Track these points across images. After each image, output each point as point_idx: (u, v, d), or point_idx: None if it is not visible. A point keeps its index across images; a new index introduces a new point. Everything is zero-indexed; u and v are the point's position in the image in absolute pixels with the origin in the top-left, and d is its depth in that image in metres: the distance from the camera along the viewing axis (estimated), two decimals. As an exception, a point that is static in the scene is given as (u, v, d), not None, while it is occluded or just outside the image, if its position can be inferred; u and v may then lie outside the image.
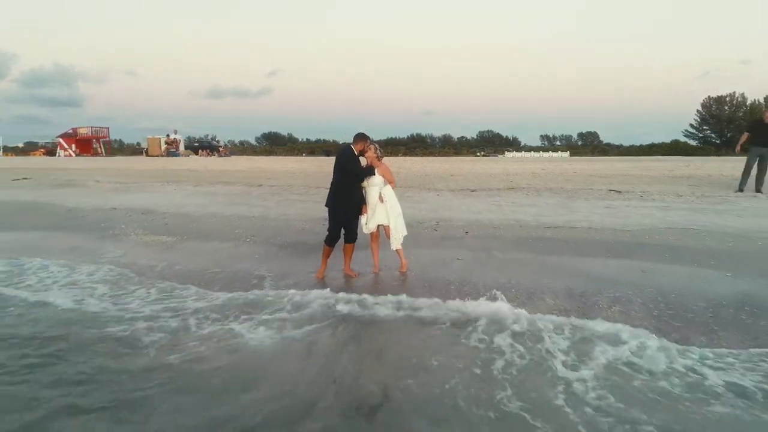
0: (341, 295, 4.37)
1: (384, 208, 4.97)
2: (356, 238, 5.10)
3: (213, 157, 30.31)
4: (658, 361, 3.07)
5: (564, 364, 3.07)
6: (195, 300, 4.38)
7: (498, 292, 4.20)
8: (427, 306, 4.07)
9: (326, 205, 5.08)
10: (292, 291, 4.45)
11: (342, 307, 4.09)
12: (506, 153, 61.78)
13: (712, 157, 63.92)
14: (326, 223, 5.11)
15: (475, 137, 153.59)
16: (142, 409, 2.59)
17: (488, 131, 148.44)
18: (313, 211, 8.33)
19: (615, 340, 3.39)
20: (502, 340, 3.43)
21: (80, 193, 11.46)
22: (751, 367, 3.00)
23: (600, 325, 3.61)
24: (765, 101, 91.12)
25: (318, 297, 4.30)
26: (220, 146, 57.19)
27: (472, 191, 10.01)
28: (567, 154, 41.57)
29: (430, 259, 5.44)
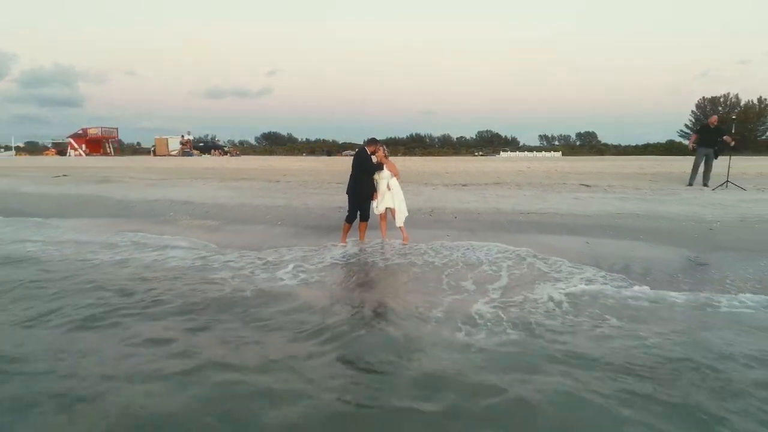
0: (356, 249, 5.99)
1: (391, 194, 6.58)
2: (368, 218, 6.71)
3: (225, 156, 31.87)
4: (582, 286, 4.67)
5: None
6: (260, 258, 5.94)
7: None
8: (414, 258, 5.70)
9: (346, 193, 6.70)
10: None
11: (353, 259, 5.73)
12: (502, 153, 63.21)
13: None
14: (341, 210, 6.72)
15: (475, 137, 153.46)
16: (256, 311, 4.17)
17: (487, 131, 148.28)
18: (329, 201, 9.94)
19: (559, 275, 5.00)
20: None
21: (121, 188, 13.06)
22: (637, 294, 4.58)
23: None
24: (759, 102, 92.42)
25: (338, 253, 5.94)
26: (225, 147, 58.92)
27: (464, 186, 11.64)
28: (559, 154, 43.10)
29: (425, 236, 7.04)
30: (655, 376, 2.88)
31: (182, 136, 34.41)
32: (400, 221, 6.62)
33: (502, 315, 3.88)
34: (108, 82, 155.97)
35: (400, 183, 6.80)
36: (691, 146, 11.24)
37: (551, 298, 4.29)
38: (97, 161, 28.32)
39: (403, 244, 6.55)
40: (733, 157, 11.19)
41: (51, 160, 35.13)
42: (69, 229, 7.98)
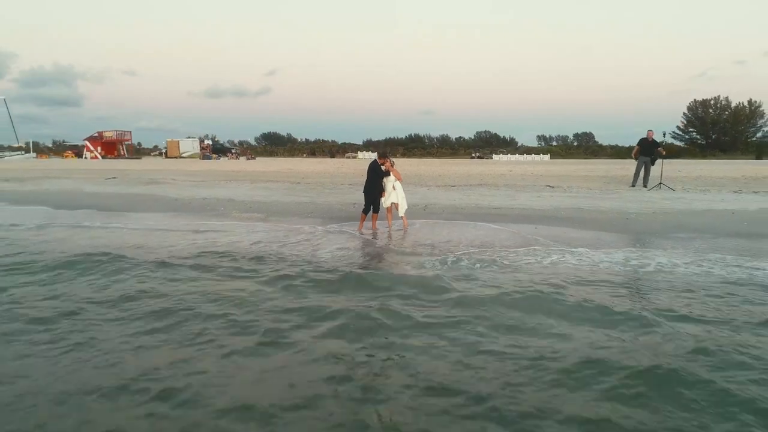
0: (369, 234, 8.70)
1: (395, 193, 9.27)
2: (379, 210, 9.40)
3: (241, 159, 34.62)
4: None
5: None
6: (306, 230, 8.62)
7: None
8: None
9: (363, 192, 9.39)
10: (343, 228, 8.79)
11: (360, 237, 8.43)
12: (494, 156, 65.95)
13: (694, 159, 68.00)
14: (355, 206, 9.38)
15: (473, 137, 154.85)
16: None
17: (485, 131, 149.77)
18: (345, 199, 12.61)
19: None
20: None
21: (170, 188, 15.76)
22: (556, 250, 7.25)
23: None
24: (749, 104, 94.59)
25: (348, 233, 8.64)
26: (233, 149, 61.81)
27: (452, 186, 14.35)
28: (548, 156, 45.78)
29: (420, 224, 9.72)
30: (567, 281, 5.57)
31: (202, 141, 37.21)
32: (402, 212, 9.30)
33: (472, 259, 6.58)
34: (107, 82, 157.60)
35: (402, 184, 9.49)
36: (634, 156, 13.97)
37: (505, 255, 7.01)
38: (134, 164, 31.04)
39: (405, 229, 9.24)
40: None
41: (81, 163, 37.85)
42: (156, 220, 10.67)
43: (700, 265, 6.20)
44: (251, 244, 7.64)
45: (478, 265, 6.19)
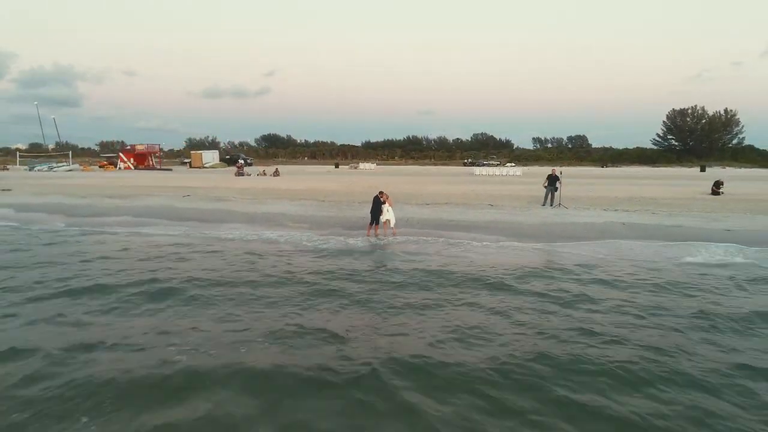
0: (373, 238, 15.91)
1: (388, 213, 16.49)
2: (379, 223, 16.62)
3: (268, 177, 41.88)
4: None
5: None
6: (337, 235, 15.80)
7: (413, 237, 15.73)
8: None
9: (370, 213, 16.61)
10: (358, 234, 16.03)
11: (367, 239, 15.65)
12: (483, 164, 73.66)
13: (669, 168, 75.56)
14: (366, 218, 16.57)
15: (470, 139, 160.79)
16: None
17: (482, 134, 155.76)
18: (357, 214, 19.73)
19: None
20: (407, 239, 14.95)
21: (234, 204, 22.94)
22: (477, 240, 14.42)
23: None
24: (725, 112, 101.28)
25: (364, 237, 15.88)
26: (248, 159, 69.52)
27: (427, 204, 21.52)
28: (519, 171, 52.67)
29: (403, 230, 16.90)
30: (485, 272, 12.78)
31: (238, 162, 44.97)
32: (392, 225, 16.52)
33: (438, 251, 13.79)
34: (107, 82, 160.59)
35: (393, 208, 16.70)
36: (543, 186, 21.18)
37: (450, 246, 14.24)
38: (195, 180, 38.04)
39: (394, 234, 16.43)
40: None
41: (137, 178, 45.19)
42: (251, 228, 17.88)
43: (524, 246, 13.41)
44: (312, 242, 14.91)
45: (421, 247, 13.42)
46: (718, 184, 26.04)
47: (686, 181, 38.75)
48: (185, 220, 19.54)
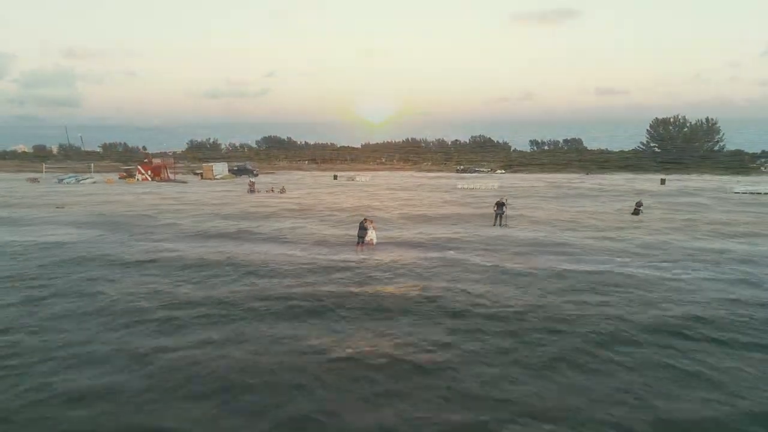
0: (361, 253, 23.47)
1: (371, 234, 24.01)
2: (365, 242, 24.10)
3: (278, 193, 49.38)
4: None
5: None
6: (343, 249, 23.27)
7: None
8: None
9: (357, 235, 24.12)
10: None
11: (358, 252, 23.22)
12: (475, 170, 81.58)
13: (649, 175, 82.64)
14: (356, 237, 24.11)
15: (468, 142, 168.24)
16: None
17: (480, 136, 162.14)
18: (352, 231, 27.18)
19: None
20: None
21: (267, 222, 30.52)
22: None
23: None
24: (706, 121, 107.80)
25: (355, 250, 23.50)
26: (254, 170, 76.65)
27: (404, 223, 29.02)
28: (499, 182, 59.63)
29: (382, 245, 24.34)
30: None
31: (250, 181, 53.27)
32: (374, 242, 24.00)
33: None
34: (107, 83, 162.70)
35: (375, 230, 24.15)
36: (493, 209, 28.65)
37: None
38: (240, 201, 45.96)
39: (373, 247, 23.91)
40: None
41: (167, 194, 53.16)
42: (299, 246, 25.40)
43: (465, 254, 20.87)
44: (333, 255, 22.55)
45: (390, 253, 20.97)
46: (639, 204, 33.24)
47: (635, 197, 45.72)
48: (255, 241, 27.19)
